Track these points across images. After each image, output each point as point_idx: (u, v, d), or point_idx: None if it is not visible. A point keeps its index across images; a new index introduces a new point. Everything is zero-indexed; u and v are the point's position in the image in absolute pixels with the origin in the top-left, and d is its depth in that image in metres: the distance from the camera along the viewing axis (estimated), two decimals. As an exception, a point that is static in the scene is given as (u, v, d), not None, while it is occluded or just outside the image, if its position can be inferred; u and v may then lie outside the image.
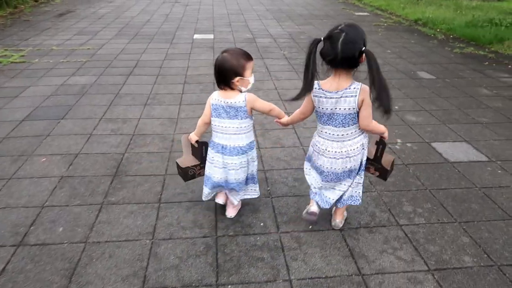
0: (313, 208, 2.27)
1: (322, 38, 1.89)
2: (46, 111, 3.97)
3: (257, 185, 2.44)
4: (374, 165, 2.25)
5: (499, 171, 3.00)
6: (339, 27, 1.86)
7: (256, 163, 2.36)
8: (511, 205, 2.59)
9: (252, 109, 2.19)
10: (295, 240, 2.27)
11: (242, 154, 2.23)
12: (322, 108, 2.01)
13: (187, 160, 2.46)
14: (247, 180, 2.38)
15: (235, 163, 2.24)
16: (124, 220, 2.42)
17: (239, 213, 2.49)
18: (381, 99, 1.85)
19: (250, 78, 2.12)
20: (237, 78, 2.07)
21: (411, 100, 4.39)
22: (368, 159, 2.20)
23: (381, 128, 2.11)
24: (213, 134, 2.27)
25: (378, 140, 2.19)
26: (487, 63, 5.92)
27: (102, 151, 3.23)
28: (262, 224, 2.40)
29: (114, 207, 2.54)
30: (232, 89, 2.13)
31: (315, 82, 1.97)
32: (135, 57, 5.98)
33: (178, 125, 3.72)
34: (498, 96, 4.56)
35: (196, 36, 7.44)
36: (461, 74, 5.34)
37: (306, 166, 2.33)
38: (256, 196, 2.47)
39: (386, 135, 2.14)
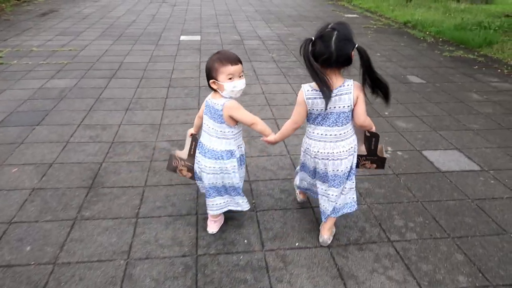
0: (301, 199, 2.54)
1: (313, 38, 1.85)
2: (21, 117, 3.77)
3: (244, 198, 2.28)
4: (369, 159, 2.20)
5: (492, 181, 2.90)
6: (330, 26, 1.83)
7: (234, 175, 2.16)
8: (505, 218, 2.49)
9: (231, 117, 2.07)
10: (281, 259, 2.13)
11: (216, 159, 2.11)
12: (317, 110, 1.95)
13: (181, 152, 2.38)
14: (228, 190, 2.23)
15: (206, 166, 2.14)
16: (98, 238, 2.25)
17: (222, 229, 2.35)
18: (381, 90, 1.92)
19: (225, 83, 2.01)
20: (211, 81, 2.05)
21: (402, 106, 4.30)
22: (361, 156, 2.18)
23: (370, 122, 2.08)
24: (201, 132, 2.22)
25: (368, 134, 2.13)
26: (476, 67, 5.86)
27: (79, 160, 3.06)
28: (245, 241, 2.26)
29: (88, 223, 2.37)
30: (215, 91, 2.10)
31: (307, 84, 1.95)
32: (118, 59, 5.79)
33: (160, 132, 3.56)
34: (488, 102, 4.49)
35: (182, 37, 7.27)
36: (451, 79, 5.27)
37: (302, 172, 2.29)
38: (246, 209, 2.30)
39: (374, 129, 2.10)
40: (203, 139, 2.17)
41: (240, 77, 2.05)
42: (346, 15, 10.18)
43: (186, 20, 8.95)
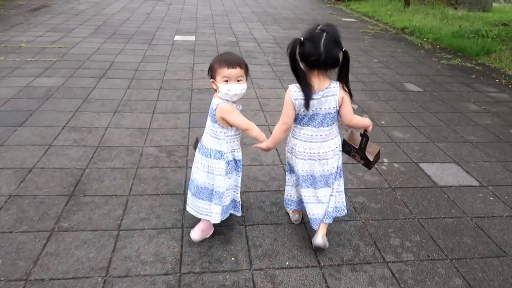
0: (295, 218, 2.37)
1: (302, 39, 1.84)
2: (3, 117, 3.61)
3: (218, 207, 2.10)
4: (359, 154, 2.22)
5: (491, 198, 2.80)
6: (319, 27, 1.83)
7: (219, 178, 2.08)
8: (505, 239, 2.38)
9: (224, 119, 2.03)
10: (269, 280, 2.00)
11: (206, 156, 2.10)
12: (303, 111, 1.95)
13: None
14: (211, 195, 2.13)
15: (197, 161, 2.16)
16: (75, 252, 2.11)
17: (208, 244, 2.21)
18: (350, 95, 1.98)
19: (220, 85, 1.99)
20: (211, 80, 2.05)
21: (398, 115, 4.19)
22: (353, 147, 2.20)
23: (365, 121, 2.08)
24: None
25: (362, 133, 2.17)
26: (474, 76, 5.78)
27: (61, 165, 2.91)
28: (233, 258, 2.13)
29: (66, 235, 2.23)
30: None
31: (294, 85, 1.95)
32: (109, 58, 5.63)
33: (148, 137, 3.41)
34: (486, 113, 4.40)
35: (177, 37, 7.12)
36: (449, 87, 5.18)
37: (289, 177, 2.27)
38: (212, 221, 2.15)
39: (370, 128, 2.10)
40: (203, 135, 2.16)
41: (238, 81, 1.99)
42: (343, 19, 10.09)
43: (181, 20, 8.80)
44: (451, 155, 3.38)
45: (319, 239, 2.12)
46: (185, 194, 2.64)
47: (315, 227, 2.15)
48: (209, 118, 2.10)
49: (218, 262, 2.10)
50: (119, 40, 6.69)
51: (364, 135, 2.15)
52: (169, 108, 4.04)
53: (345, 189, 2.78)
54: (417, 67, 6.08)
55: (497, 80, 5.63)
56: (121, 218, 2.39)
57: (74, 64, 5.26)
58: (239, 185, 2.21)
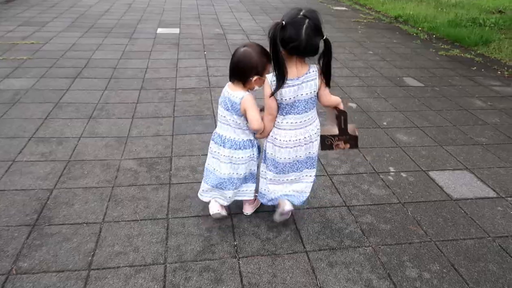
0: (287, 206, 2.14)
1: (283, 23, 1.75)
2: (-39, 127, 3.20)
3: (255, 185, 2.25)
4: (342, 138, 2.15)
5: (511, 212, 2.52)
6: (301, 12, 1.76)
7: (254, 162, 2.17)
8: (534, 264, 2.10)
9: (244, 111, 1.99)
10: (269, 331, 1.68)
11: (244, 149, 2.09)
12: (285, 99, 1.90)
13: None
14: (246, 179, 2.21)
15: (241, 157, 2.10)
16: (34, 302, 1.76)
17: (196, 285, 1.88)
18: (328, 81, 1.93)
19: (268, 76, 1.92)
20: (256, 77, 1.93)
21: (401, 114, 3.87)
22: (334, 136, 2.14)
23: (337, 99, 2.05)
24: (217, 125, 2.15)
25: (337, 113, 2.08)
26: (475, 68, 5.49)
27: (24, 186, 2.53)
28: (225, 303, 1.80)
29: (25, 279, 1.86)
30: (244, 84, 1.97)
31: (271, 75, 1.88)
32: (86, 54, 5.18)
33: (127, 147, 3.04)
34: (493, 109, 4.11)
35: (159, 30, 6.67)
36: (450, 81, 4.88)
37: (263, 169, 2.18)
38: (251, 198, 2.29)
39: (341, 105, 2.06)
40: (220, 130, 2.10)
41: None
42: (334, 8, 9.71)
43: (164, 10, 8.33)
44: (462, 161, 3.08)
45: (285, 212, 2.16)
46: (168, 219, 2.30)
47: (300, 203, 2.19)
48: (227, 113, 2.02)
49: (208, 309, 1.77)
50: (97, 34, 6.22)
51: (341, 113, 2.06)
52: (150, 111, 3.66)
53: (349, 205, 2.50)
54: (414, 59, 5.76)
55: (499, 72, 5.35)
56: (92, 253, 2.04)
57: (46, 62, 4.81)
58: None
